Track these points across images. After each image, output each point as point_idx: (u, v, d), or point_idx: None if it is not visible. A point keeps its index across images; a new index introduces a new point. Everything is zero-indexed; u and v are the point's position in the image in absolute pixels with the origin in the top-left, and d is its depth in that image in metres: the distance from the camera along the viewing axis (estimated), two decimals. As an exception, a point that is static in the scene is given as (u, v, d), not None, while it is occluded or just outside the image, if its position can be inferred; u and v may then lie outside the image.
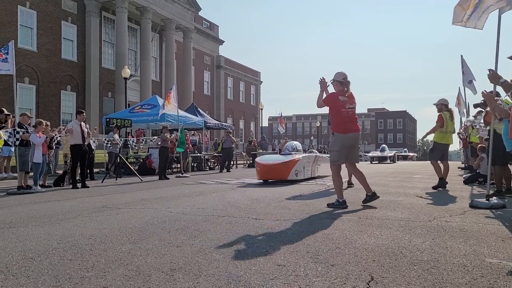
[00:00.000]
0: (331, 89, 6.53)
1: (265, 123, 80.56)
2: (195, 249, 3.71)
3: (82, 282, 2.82)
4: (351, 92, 6.41)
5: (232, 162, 21.85)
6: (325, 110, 6.72)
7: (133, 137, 20.21)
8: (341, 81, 6.34)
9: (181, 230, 4.59)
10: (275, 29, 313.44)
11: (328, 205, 6.26)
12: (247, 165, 26.53)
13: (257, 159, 11.96)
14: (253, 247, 3.75)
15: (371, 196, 6.42)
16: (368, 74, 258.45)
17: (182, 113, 18.60)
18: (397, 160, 38.08)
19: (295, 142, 13.23)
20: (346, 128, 6.28)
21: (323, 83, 6.43)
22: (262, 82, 60.55)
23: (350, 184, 9.52)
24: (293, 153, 11.81)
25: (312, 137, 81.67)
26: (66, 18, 29.17)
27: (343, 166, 6.67)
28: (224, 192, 8.78)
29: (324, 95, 6.45)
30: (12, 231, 4.71)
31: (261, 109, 42.89)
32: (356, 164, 6.65)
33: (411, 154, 56.16)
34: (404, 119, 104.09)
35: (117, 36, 31.18)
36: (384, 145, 39.69)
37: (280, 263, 3.20)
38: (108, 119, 15.23)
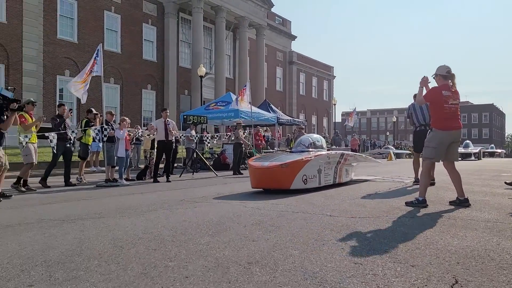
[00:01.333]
0: (431, 84, 6.24)
1: (338, 119, 79.04)
2: (271, 244, 3.76)
3: (166, 270, 2.99)
4: (456, 87, 6.00)
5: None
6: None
7: (208, 133, 20.86)
8: (445, 75, 5.99)
9: (256, 225, 4.67)
10: (349, 22, 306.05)
11: (407, 203, 6.01)
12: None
13: (251, 160, 8.75)
14: (329, 244, 3.72)
15: (462, 201, 5.94)
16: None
17: (255, 109, 18.87)
18: (483, 157, 35.52)
19: (314, 135, 10.11)
20: (447, 124, 5.89)
21: (423, 81, 6.18)
22: (335, 77, 59.53)
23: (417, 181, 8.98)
24: (310, 149, 8.92)
25: (388, 132, 78.81)
26: (146, 21, 30.78)
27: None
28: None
29: (425, 91, 6.18)
30: (103, 221, 5.10)
31: (334, 104, 42.19)
32: (455, 163, 6.23)
33: (499, 150, 52.06)
34: (491, 112, 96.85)
35: (193, 36, 32.32)
36: (468, 141, 37.21)
37: (357, 261, 3.15)
38: (185, 116, 15.87)
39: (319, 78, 55.82)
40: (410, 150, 45.09)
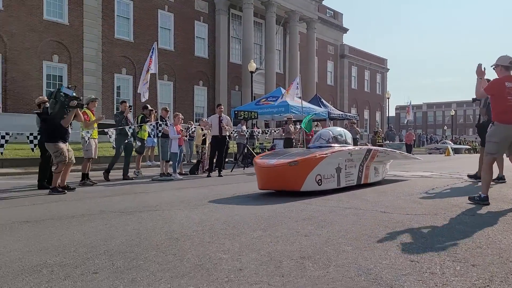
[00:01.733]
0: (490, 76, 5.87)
1: (391, 113, 76.71)
2: (323, 239, 3.74)
3: (220, 263, 3.06)
4: None
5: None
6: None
7: (258, 128, 21.00)
8: (507, 66, 5.66)
9: (307, 220, 4.66)
10: (404, 12, 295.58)
11: (470, 199, 5.75)
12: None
13: (258, 157, 7.75)
14: (383, 241, 3.64)
15: None
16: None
17: (305, 104, 18.74)
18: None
19: (337, 129, 8.88)
20: (511, 118, 5.62)
21: (480, 71, 5.85)
22: (388, 69, 57.81)
23: (500, 179, 8.42)
24: (332, 144, 7.74)
25: (446, 127, 75.54)
26: (198, 18, 31.38)
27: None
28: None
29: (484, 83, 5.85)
30: (159, 213, 5.29)
31: (388, 98, 41.02)
32: None
33: None
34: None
35: (244, 32, 32.56)
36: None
37: (413, 259, 3.06)
38: (236, 112, 16.07)
39: (372, 71, 54.44)
40: (470, 145, 42.95)
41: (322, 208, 5.47)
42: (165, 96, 28.67)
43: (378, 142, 24.91)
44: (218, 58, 32.33)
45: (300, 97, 16.24)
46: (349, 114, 26.38)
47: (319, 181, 6.78)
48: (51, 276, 2.78)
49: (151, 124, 11.31)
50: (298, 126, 17.69)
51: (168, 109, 12.52)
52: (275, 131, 18.61)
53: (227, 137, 12.33)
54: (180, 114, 12.10)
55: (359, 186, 7.75)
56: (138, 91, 11.93)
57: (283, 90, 20.09)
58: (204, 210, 5.50)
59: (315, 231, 4.07)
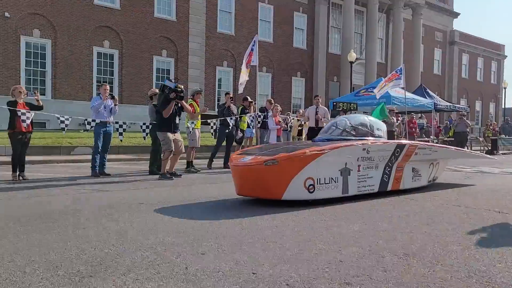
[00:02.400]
0: None
1: (508, 104, 69.52)
2: (428, 236, 3.57)
3: (320, 253, 3.08)
4: None
5: (466, 148, 19.79)
6: None
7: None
8: None
9: (411, 216, 4.47)
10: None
11: None
12: (484, 151, 23.61)
13: (236, 152, 6.17)
14: (497, 242, 3.37)
15: None
16: None
17: (409, 95, 17.79)
18: None
19: (360, 117, 6.85)
20: None
21: None
22: (506, 56, 52.35)
23: None
24: (348, 137, 5.89)
25: None
26: (297, 9, 31.32)
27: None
28: (460, 180, 8.05)
29: None
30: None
31: (504, 88, 37.21)
32: None
33: None
34: None
35: (344, 21, 31.78)
36: None
37: (534, 265, 2.79)
38: (334, 103, 15.81)
39: (486, 58, 49.72)
40: None
41: (427, 204, 5.20)
42: (263, 87, 29.21)
43: (488, 136, 22.80)
44: (316, 49, 32.02)
45: (403, 88, 15.46)
46: (458, 105, 24.46)
47: (311, 186, 5.01)
48: (164, 253, 3.03)
49: (250, 115, 11.62)
50: (400, 118, 16.91)
51: (272, 101, 12.72)
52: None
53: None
54: (279, 105, 12.25)
55: (384, 193, 5.82)
56: (240, 83, 12.30)
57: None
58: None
59: (420, 228, 3.88)
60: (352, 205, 5.09)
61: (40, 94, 8.85)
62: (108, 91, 8.77)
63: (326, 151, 5.13)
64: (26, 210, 4.68)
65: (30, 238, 3.44)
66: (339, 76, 32.97)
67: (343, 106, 15.48)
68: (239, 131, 11.93)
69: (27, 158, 8.05)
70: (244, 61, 12.05)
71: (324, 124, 11.90)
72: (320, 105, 11.98)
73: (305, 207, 4.87)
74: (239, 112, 12.64)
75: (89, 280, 2.50)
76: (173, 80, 8.29)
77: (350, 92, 22.97)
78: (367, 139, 5.84)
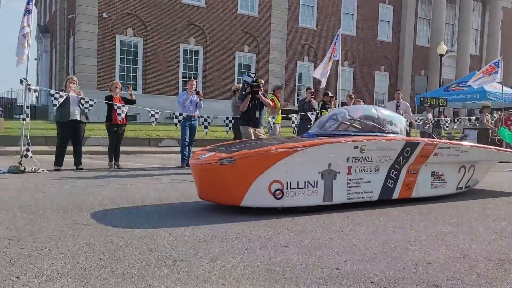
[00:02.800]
0: None
1: None
2: (529, 243, 3.29)
3: (406, 253, 2.98)
4: None
5: None
6: None
7: (445, 116, 19.27)
8: None
9: (507, 219, 4.15)
10: None
11: None
12: None
13: (203, 148, 5.03)
14: None
15: None
16: None
17: (507, 90, 16.37)
18: None
19: (366, 107, 6.34)
20: None
21: None
22: None
23: None
24: (345, 132, 4.96)
25: None
26: (383, 0, 30.19)
27: None
28: None
29: None
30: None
31: None
32: None
33: None
34: None
35: (434, 11, 30.01)
36: None
37: None
38: (421, 98, 15.05)
39: None
40: None
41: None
42: (345, 82, 28.62)
43: None
44: (402, 41, 30.62)
45: (500, 82, 14.27)
46: None
47: (278, 192, 4.14)
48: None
49: (330, 110, 11.47)
50: (496, 115, 15.67)
51: (353, 96, 12.47)
52: (471, 120, 16.80)
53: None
54: (361, 100, 11.95)
55: (390, 202, 4.84)
56: (319, 78, 12.16)
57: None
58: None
59: (518, 234, 3.59)
60: (442, 205, 4.84)
61: (132, 89, 9.46)
62: (195, 86, 9.15)
63: (298, 149, 4.19)
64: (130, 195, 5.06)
65: (127, 221, 3.72)
66: (426, 69, 31.30)
67: (430, 101, 14.70)
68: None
69: (121, 148, 8.68)
70: (326, 56, 11.91)
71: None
72: (401, 100, 11.49)
73: (383, 205, 4.72)
74: (320, 107, 12.53)
75: (180, 263, 2.65)
76: (251, 75, 8.42)
77: (439, 86, 21.68)
78: (372, 136, 4.73)
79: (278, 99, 10.24)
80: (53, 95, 7.57)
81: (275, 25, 25.80)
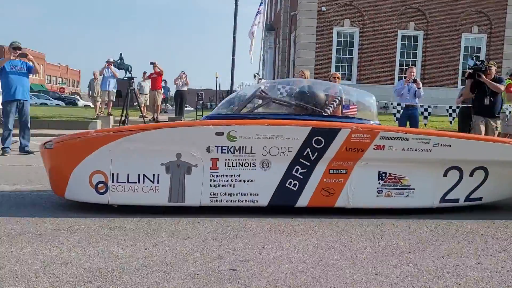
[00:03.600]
0: None
1: None
2: None
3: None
4: None
5: None
6: None
7: None
8: None
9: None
10: None
11: None
12: None
13: None
14: None
15: None
16: None
17: None
18: None
19: (297, 81, 5.24)
20: None
21: None
22: None
23: None
24: (252, 115, 3.93)
25: None
26: None
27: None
28: None
29: None
30: None
31: None
32: None
33: None
34: None
35: None
36: None
37: None
38: None
39: None
40: None
41: None
42: None
43: None
44: None
45: None
46: None
47: (100, 185, 3.48)
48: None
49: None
50: None
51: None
52: None
53: None
54: None
55: (300, 210, 3.60)
56: None
57: None
58: None
59: None
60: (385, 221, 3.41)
61: (347, 79, 9.62)
62: (414, 74, 8.74)
63: (125, 133, 3.50)
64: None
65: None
66: None
67: None
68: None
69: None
70: None
71: None
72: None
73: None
74: None
75: (408, 255, 2.64)
76: (473, 58, 7.46)
77: None
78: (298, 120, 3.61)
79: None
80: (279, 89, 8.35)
81: (513, -1, 22.28)
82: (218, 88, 41.56)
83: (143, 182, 3.45)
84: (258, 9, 9.04)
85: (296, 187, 3.54)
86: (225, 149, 3.47)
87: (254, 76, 8.61)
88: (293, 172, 3.53)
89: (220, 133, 3.43)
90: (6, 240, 2.72)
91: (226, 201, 3.50)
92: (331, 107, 3.90)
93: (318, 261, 2.50)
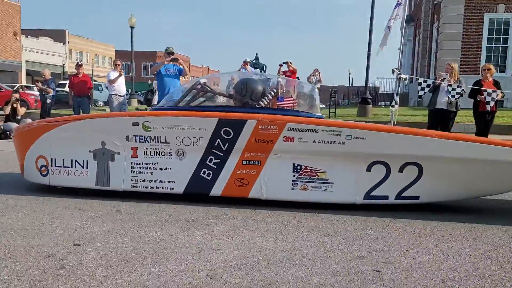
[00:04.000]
0: None
1: None
2: None
3: None
4: None
5: None
6: None
7: None
8: None
9: None
10: None
11: None
12: None
13: None
14: None
15: None
16: None
17: None
18: None
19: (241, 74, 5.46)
20: None
21: None
22: None
23: None
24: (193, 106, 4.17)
25: None
26: None
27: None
28: None
29: None
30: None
31: None
32: None
33: None
34: None
35: None
36: None
37: None
38: None
39: None
40: None
41: None
42: None
43: None
44: None
45: None
46: None
47: (43, 168, 3.99)
48: None
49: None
50: None
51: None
52: None
53: None
54: None
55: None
56: None
57: None
58: None
59: None
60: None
61: (500, 71, 8.56)
62: None
63: (57, 123, 3.96)
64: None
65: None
66: None
67: None
68: None
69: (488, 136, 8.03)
70: None
71: None
72: None
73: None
74: None
75: None
76: None
77: None
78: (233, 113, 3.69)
79: None
80: (420, 83, 7.82)
81: None
82: (350, 85, 40.66)
83: (75, 167, 3.90)
84: (398, 1, 8.55)
85: (210, 177, 3.68)
86: (142, 139, 3.73)
87: (393, 71, 8.20)
88: (207, 162, 3.68)
89: (136, 124, 3.70)
90: (166, 225, 3.06)
91: (145, 187, 3.77)
92: (266, 99, 3.99)
93: (472, 271, 2.29)
